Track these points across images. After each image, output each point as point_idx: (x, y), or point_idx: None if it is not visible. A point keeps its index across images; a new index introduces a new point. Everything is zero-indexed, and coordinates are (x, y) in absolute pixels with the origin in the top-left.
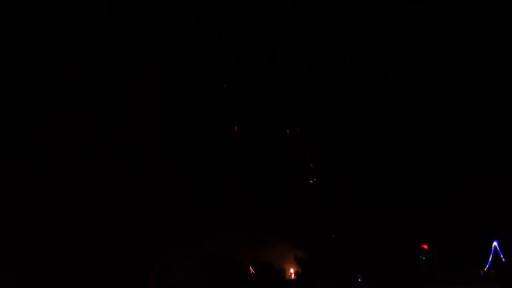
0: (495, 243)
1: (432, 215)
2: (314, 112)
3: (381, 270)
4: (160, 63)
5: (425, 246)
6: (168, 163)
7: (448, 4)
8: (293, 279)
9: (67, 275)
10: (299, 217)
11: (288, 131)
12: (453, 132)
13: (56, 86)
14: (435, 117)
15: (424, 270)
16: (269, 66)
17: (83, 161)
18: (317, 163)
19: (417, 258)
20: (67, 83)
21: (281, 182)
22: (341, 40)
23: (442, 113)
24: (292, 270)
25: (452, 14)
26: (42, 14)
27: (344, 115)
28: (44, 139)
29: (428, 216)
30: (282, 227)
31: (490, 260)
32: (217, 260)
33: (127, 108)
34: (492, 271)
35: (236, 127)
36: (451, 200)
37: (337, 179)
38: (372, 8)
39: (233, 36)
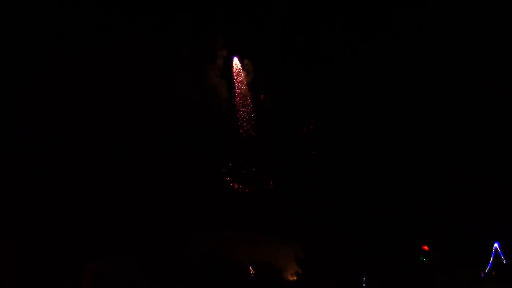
0: (496, 245)
1: (433, 217)
2: (317, 109)
3: (382, 270)
4: (155, 60)
5: (426, 247)
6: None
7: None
8: (293, 280)
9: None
10: (300, 217)
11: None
12: (455, 134)
13: (55, 86)
14: (437, 118)
15: (425, 272)
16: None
17: None
18: (319, 162)
19: (418, 259)
20: (65, 83)
21: (281, 180)
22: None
23: (444, 114)
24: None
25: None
26: (38, 13)
27: (346, 113)
28: (40, 141)
29: (429, 217)
30: (282, 226)
31: (491, 261)
32: (217, 260)
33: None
34: (493, 273)
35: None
36: (452, 201)
37: (338, 179)
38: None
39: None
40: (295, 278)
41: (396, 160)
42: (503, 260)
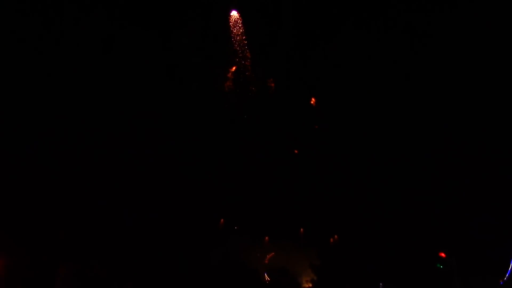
0: None
1: (450, 223)
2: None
3: (399, 277)
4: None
5: (443, 254)
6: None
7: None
8: (309, 287)
9: None
10: (315, 224)
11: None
12: (475, 139)
13: (56, 87)
14: (457, 124)
15: (442, 279)
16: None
17: None
18: (333, 167)
19: (435, 266)
20: (66, 84)
21: (295, 186)
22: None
23: (466, 117)
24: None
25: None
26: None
27: (357, 114)
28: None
29: (446, 224)
30: (298, 233)
31: (510, 269)
32: (232, 267)
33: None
34: None
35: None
36: (470, 207)
37: (354, 185)
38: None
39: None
40: (310, 285)
41: (414, 165)
42: None
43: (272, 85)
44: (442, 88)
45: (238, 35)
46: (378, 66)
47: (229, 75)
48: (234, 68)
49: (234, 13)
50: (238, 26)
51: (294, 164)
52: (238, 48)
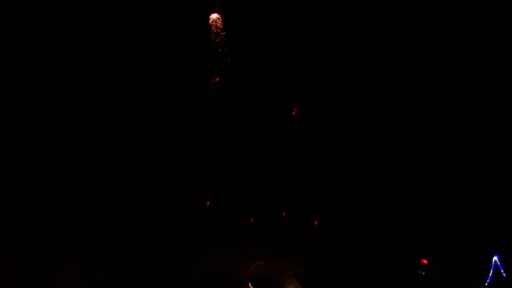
0: (495, 258)
1: (432, 229)
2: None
3: (381, 284)
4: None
5: (425, 261)
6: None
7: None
8: None
9: None
10: (298, 231)
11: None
12: (456, 145)
13: (55, 87)
14: (440, 126)
15: (424, 285)
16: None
17: None
18: (315, 172)
19: (417, 273)
20: (65, 84)
21: (278, 193)
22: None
23: (448, 121)
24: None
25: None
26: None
27: (347, 117)
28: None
29: (428, 230)
30: (281, 240)
31: (490, 275)
32: (215, 276)
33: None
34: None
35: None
36: (451, 214)
37: (335, 190)
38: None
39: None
40: None
41: (397, 172)
42: (503, 273)
43: (254, 98)
44: (427, 105)
45: (219, 46)
46: (365, 74)
47: (211, 86)
48: (217, 79)
49: (215, 17)
50: (220, 33)
51: (276, 173)
52: (219, 55)
